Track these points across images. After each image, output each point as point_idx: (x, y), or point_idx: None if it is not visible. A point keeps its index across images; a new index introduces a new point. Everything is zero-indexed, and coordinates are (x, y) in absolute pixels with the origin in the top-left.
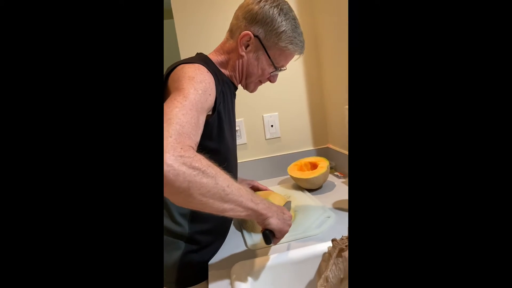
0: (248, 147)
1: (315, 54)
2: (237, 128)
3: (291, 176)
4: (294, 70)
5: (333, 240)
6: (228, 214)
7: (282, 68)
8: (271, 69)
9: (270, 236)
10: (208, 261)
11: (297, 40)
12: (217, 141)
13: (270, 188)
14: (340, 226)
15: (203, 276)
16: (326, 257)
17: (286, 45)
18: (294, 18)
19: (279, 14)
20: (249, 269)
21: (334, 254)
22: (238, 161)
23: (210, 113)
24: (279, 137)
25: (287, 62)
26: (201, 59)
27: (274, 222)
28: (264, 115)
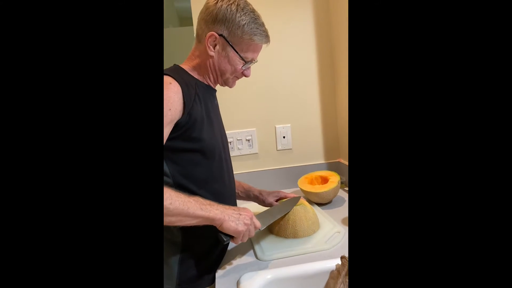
0: (259, 157)
1: (331, 67)
2: (249, 137)
3: (301, 189)
4: (309, 82)
5: (342, 258)
6: (178, 224)
7: (253, 61)
8: (242, 63)
9: (223, 238)
10: (210, 269)
11: (260, 30)
12: (194, 141)
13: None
14: (342, 243)
15: (205, 283)
16: (335, 274)
17: (251, 37)
18: (253, 11)
19: (237, 10)
20: (256, 282)
21: (343, 273)
22: (248, 171)
23: (178, 119)
24: (291, 149)
25: (256, 55)
26: (171, 69)
27: (227, 225)
28: (276, 126)
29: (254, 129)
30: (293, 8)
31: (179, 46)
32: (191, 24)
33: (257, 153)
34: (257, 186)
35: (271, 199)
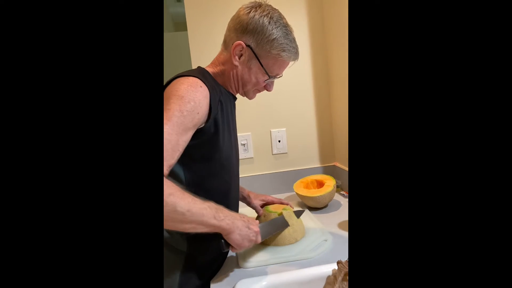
0: (254, 162)
1: (325, 71)
2: (244, 142)
3: (296, 193)
4: (304, 86)
5: (338, 262)
6: (191, 231)
7: (277, 76)
8: (265, 77)
9: (224, 246)
10: (209, 279)
11: (289, 46)
12: (216, 150)
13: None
14: (338, 248)
15: None
16: (331, 279)
17: (279, 52)
18: (285, 25)
19: (269, 23)
20: None
21: (340, 278)
22: (244, 175)
23: (203, 125)
24: (286, 153)
25: (282, 70)
26: (199, 72)
27: (234, 238)
28: (272, 130)
29: (249, 133)
30: (286, 13)
31: (173, 51)
32: (185, 29)
33: (252, 157)
34: (252, 190)
35: (256, 203)
